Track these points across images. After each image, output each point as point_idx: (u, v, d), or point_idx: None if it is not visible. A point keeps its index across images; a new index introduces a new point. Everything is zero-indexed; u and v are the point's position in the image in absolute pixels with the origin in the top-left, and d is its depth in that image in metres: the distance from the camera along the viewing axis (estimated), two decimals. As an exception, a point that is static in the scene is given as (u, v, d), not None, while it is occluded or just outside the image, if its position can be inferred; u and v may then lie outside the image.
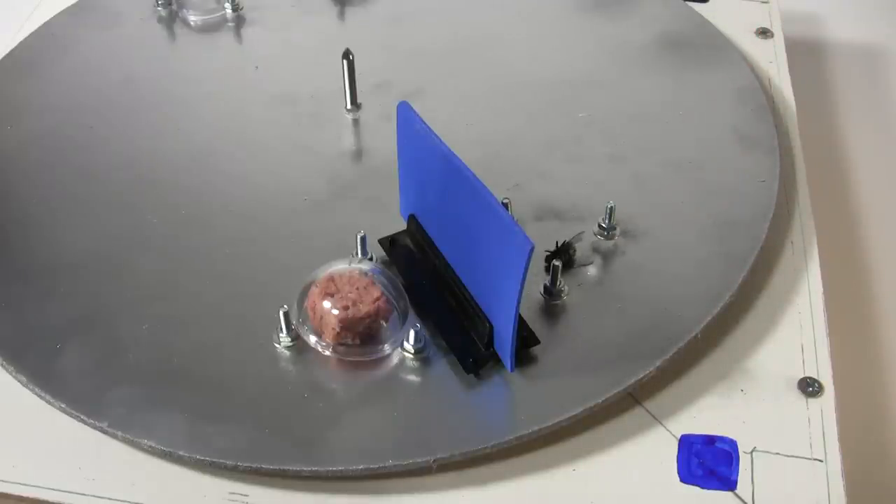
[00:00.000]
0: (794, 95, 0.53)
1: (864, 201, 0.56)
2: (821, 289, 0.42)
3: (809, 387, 0.38)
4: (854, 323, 0.49)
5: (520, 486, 0.35)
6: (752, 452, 0.36)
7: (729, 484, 0.35)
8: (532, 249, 0.31)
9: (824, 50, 0.68)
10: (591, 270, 0.41)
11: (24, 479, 0.35)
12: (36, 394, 0.37)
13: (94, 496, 0.35)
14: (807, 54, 0.67)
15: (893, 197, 0.57)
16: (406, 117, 0.38)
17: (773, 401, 0.38)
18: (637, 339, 0.38)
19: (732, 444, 0.36)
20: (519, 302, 0.33)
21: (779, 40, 0.57)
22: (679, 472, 0.35)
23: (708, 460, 0.36)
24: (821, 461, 0.35)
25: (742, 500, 0.34)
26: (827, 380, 0.38)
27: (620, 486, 0.35)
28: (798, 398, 0.38)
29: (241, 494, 0.35)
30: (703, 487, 0.35)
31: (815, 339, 0.40)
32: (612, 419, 0.37)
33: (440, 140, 0.36)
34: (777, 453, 0.36)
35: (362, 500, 0.35)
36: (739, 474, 0.35)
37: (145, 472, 0.36)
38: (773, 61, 0.55)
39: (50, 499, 0.35)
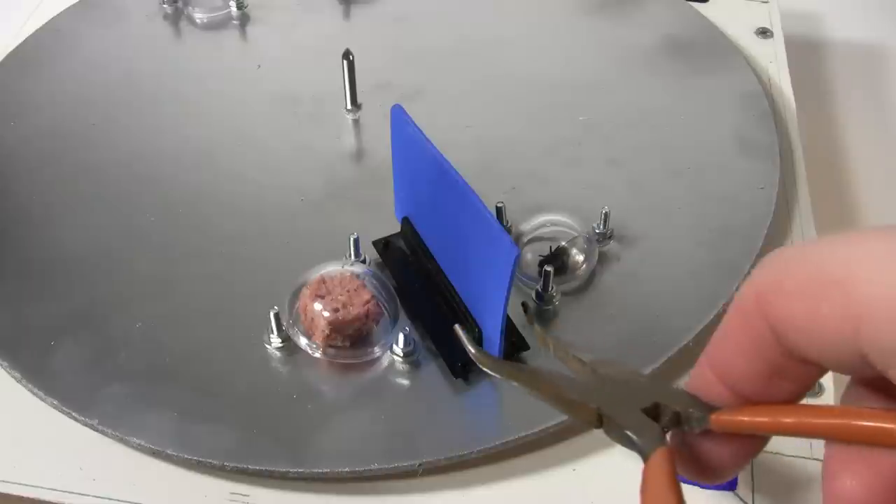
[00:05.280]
0: (794, 95, 0.53)
1: (863, 202, 0.56)
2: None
3: (809, 387, 0.38)
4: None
5: (519, 486, 0.35)
6: (752, 452, 0.36)
7: (729, 484, 0.35)
8: (518, 256, 0.31)
9: (824, 49, 0.68)
10: (584, 276, 0.41)
11: (24, 479, 0.35)
12: (29, 390, 0.37)
13: (94, 496, 0.35)
14: (807, 53, 0.67)
15: (893, 197, 0.56)
16: (399, 121, 0.38)
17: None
18: (627, 346, 0.38)
19: None
20: (506, 308, 0.33)
21: (779, 40, 0.57)
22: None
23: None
24: (821, 461, 0.35)
25: (742, 500, 0.34)
26: (827, 380, 0.38)
27: (620, 486, 0.35)
28: (799, 398, 0.38)
29: (242, 495, 0.35)
30: (703, 487, 0.35)
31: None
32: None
33: (431, 144, 0.36)
34: (777, 453, 0.36)
35: (364, 500, 0.35)
36: (739, 474, 0.35)
37: (146, 472, 0.36)
38: (773, 61, 0.55)
39: (50, 499, 0.35)
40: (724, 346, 0.23)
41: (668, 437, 0.25)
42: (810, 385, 0.23)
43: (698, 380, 0.24)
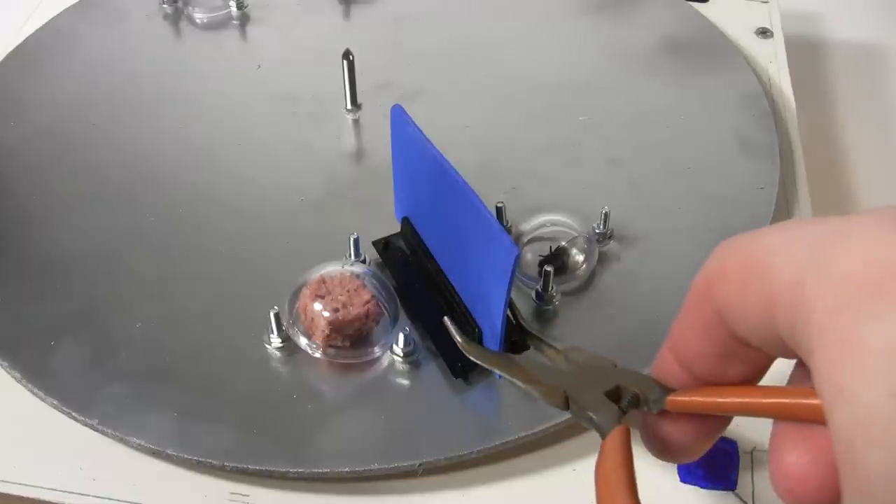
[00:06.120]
0: (794, 95, 0.53)
1: (863, 202, 0.56)
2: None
3: (809, 386, 0.38)
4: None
5: (519, 486, 0.35)
6: (752, 452, 0.36)
7: (729, 484, 0.35)
8: (518, 256, 0.31)
9: (824, 49, 0.68)
10: (584, 276, 0.41)
11: (24, 479, 0.35)
12: (29, 390, 0.38)
13: (94, 496, 0.35)
14: (807, 53, 0.67)
15: (893, 197, 0.56)
16: (399, 121, 0.38)
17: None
18: (627, 346, 0.38)
19: (732, 444, 0.36)
20: (506, 308, 0.33)
21: (779, 40, 0.57)
22: (679, 472, 0.35)
23: (708, 460, 0.35)
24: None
25: (742, 500, 0.34)
26: None
27: (621, 486, 0.35)
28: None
29: (242, 495, 0.35)
30: (703, 487, 0.35)
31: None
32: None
33: (431, 144, 0.36)
34: (777, 453, 0.36)
35: (364, 500, 0.35)
36: (739, 474, 0.35)
37: (146, 472, 0.36)
38: (773, 61, 0.55)
39: (50, 499, 0.35)
40: (681, 328, 0.24)
41: (628, 417, 0.26)
42: (763, 368, 0.24)
43: (661, 363, 0.25)
